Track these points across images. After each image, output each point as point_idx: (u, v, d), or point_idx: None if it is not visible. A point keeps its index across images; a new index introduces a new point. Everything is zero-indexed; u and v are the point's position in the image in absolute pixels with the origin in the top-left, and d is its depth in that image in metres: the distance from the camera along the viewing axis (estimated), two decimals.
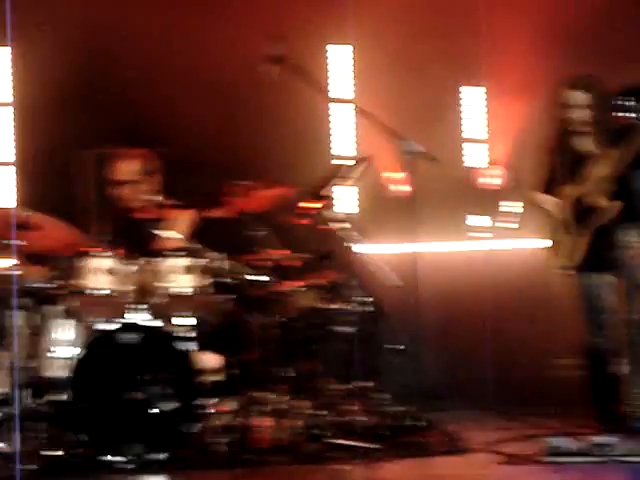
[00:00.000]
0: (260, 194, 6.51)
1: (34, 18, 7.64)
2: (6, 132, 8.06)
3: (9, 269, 6.16)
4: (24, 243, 6.15)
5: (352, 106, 8.41)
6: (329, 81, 8.40)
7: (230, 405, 6.24)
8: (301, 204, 6.42)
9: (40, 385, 6.00)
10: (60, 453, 5.80)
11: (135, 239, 6.55)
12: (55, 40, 7.86)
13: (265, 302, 6.51)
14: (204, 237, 6.56)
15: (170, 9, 7.95)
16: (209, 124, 7.80)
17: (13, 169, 8.05)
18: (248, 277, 6.48)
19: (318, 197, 6.40)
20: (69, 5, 7.85)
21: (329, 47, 8.45)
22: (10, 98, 8.08)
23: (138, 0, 7.93)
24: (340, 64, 8.50)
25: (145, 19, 7.86)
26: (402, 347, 6.78)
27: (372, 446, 5.97)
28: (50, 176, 7.84)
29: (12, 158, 8.06)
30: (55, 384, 6.01)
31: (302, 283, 6.70)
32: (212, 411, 6.10)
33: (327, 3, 8.13)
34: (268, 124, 8.01)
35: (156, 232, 6.45)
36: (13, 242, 6.05)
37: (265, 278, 6.48)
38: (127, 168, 6.79)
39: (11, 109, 8.06)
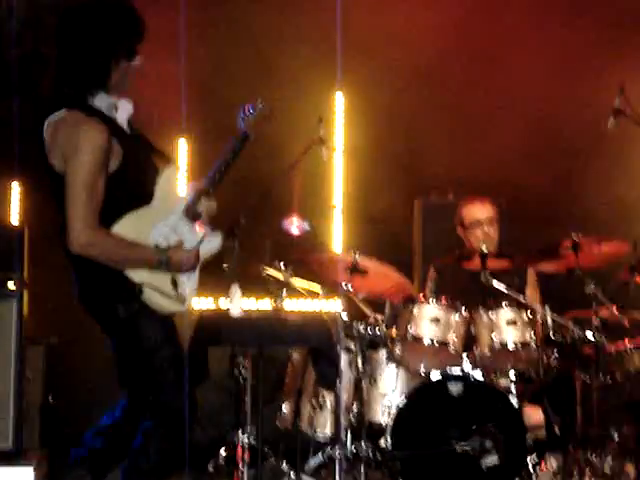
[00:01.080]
0: (594, 249, 6.29)
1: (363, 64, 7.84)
2: (334, 177, 8.27)
3: (337, 312, 6.26)
4: (351, 287, 6.27)
5: None
6: None
7: (551, 464, 6.05)
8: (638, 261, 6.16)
9: (362, 429, 6.04)
10: None
11: (463, 288, 6.51)
12: (381, 84, 8.02)
13: (592, 361, 6.27)
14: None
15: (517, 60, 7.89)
16: (546, 175, 7.70)
17: (339, 214, 8.24)
18: (575, 334, 6.26)
19: None
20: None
21: None
22: (341, 144, 8.29)
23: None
24: None
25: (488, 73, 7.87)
26: None
27: None
28: (376, 220, 7.97)
29: (339, 202, 8.24)
30: (377, 429, 6.04)
31: (632, 344, 6.40)
32: (533, 469, 5.94)
33: None
34: (604, 177, 7.79)
35: (489, 283, 6.33)
36: (343, 285, 6.18)
37: (593, 336, 6.25)
38: (481, 210, 6.86)
39: (340, 154, 8.27)
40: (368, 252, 6.35)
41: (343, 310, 6.29)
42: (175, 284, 4.54)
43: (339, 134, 8.27)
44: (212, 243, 4.71)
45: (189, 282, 4.60)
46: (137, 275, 4.48)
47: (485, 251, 6.34)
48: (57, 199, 4.42)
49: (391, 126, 8.06)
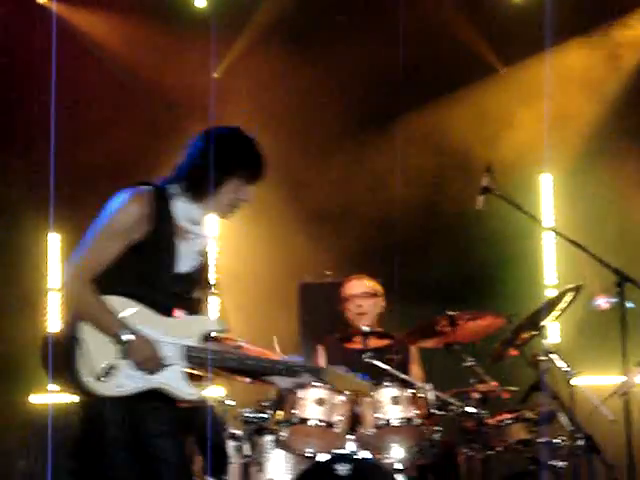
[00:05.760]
0: (470, 324, 6.47)
1: None
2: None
3: (223, 398, 6.28)
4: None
5: (554, 233, 8.38)
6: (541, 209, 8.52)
7: None
8: (512, 334, 6.34)
9: None
10: None
11: (347, 367, 6.57)
12: None
13: (474, 434, 6.41)
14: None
15: None
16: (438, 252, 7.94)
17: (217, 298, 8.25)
18: (457, 409, 6.39)
19: (529, 327, 6.32)
20: None
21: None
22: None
23: None
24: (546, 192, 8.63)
25: None
26: None
27: None
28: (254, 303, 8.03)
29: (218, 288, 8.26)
30: None
31: (511, 415, 6.56)
32: None
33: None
34: (474, 252, 8.05)
35: (371, 361, 6.43)
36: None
37: (474, 410, 6.39)
38: (356, 285, 7.05)
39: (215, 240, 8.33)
40: (250, 337, 6.41)
41: (228, 396, 6.31)
42: (110, 370, 4.46)
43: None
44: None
45: (132, 380, 4.50)
46: (87, 332, 4.48)
47: (366, 329, 6.47)
48: None
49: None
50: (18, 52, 8.14)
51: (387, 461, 6.16)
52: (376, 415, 6.21)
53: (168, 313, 4.61)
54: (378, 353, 6.47)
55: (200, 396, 4.65)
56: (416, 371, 7.01)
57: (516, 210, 6.31)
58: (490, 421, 6.48)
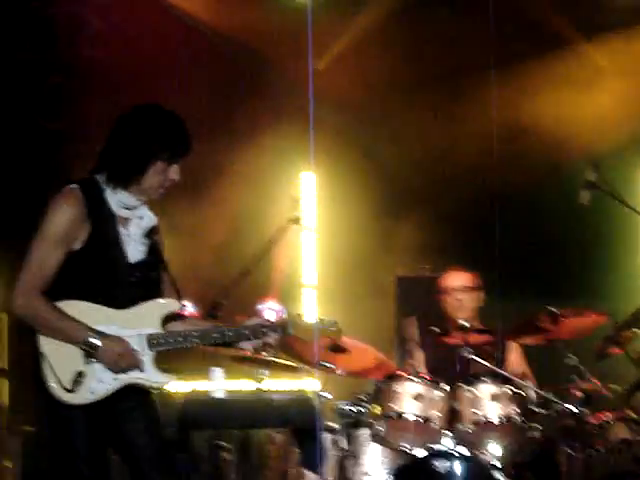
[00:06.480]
0: (572, 321, 6.34)
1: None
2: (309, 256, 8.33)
3: (320, 391, 6.25)
4: (333, 366, 6.27)
5: None
6: None
7: None
8: (614, 332, 6.20)
9: None
10: None
11: (445, 363, 6.51)
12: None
13: (574, 433, 6.28)
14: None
15: None
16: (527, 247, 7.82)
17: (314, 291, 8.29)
18: (557, 407, 6.27)
19: (633, 325, 6.17)
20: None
21: None
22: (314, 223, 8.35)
23: None
24: None
25: None
26: None
27: None
28: (352, 298, 8.01)
29: (314, 281, 8.29)
30: None
31: (613, 414, 6.42)
32: None
33: None
34: (577, 249, 7.91)
35: (470, 357, 6.34)
36: (324, 364, 6.19)
37: (575, 408, 6.26)
38: (456, 278, 6.94)
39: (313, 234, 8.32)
40: (346, 330, 6.36)
41: (325, 389, 6.28)
42: (79, 378, 4.41)
43: (311, 214, 8.33)
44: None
45: (104, 382, 4.45)
46: (46, 345, 4.42)
47: (465, 324, 6.38)
48: None
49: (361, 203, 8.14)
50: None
51: (485, 458, 6.07)
52: (474, 411, 6.12)
53: (132, 303, 4.53)
54: (477, 349, 6.37)
55: (171, 380, 4.58)
56: (518, 366, 6.88)
57: (619, 205, 6.17)
58: (592, 420, 6.35)
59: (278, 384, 7.33)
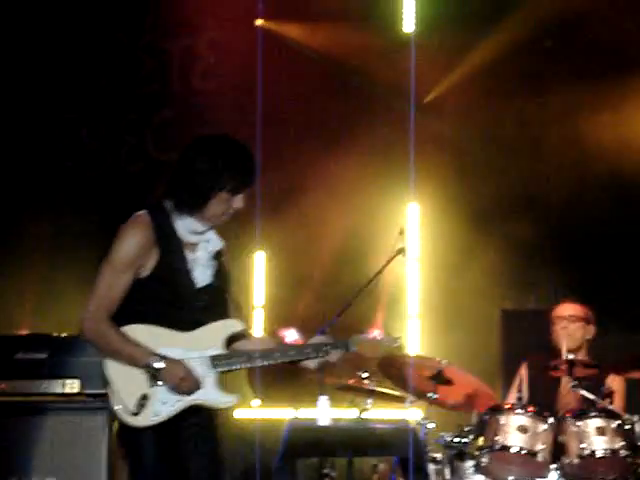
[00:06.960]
0: None
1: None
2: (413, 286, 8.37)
3: (423, 422, 6.26)
4: (437, 396, 6.29)
5: None
6: None
7: None
8: None
9: None
10: None
11: (550, 396, 6.48)
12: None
13: None
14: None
15: None
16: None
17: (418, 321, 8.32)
18: None
19: None
20: None
21: None
22: (417, 253, 8.38)
23: None
24: None
25: None
26: None
27: None
28: (456, 329, 8.00)
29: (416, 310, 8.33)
30: None
31: None
32: None
33: None
34: None
35: (577, 391, 6.29)
36: (428, 395, 6.21)
37: None
38: (567, 308, 6.93)
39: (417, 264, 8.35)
40: (450, 360, 6.39)
41: (428, 419, 6.29)
42: (143, 400, 4.49)
43: (416, 244, 8.35)
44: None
45: (167, 404, 4.52)
46: (111, 369, 4.52)
47: (570, 357, 6.34)
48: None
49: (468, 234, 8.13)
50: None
51: None
52: (581, 445, 6.06)
53: (197, 326, 4.59)
54: (584, 382, 6.31)
55: (235, 401, 4.63)
56: (619, 402, 6.80)
57: None
58: None
59: (379, 413, 7.36)
